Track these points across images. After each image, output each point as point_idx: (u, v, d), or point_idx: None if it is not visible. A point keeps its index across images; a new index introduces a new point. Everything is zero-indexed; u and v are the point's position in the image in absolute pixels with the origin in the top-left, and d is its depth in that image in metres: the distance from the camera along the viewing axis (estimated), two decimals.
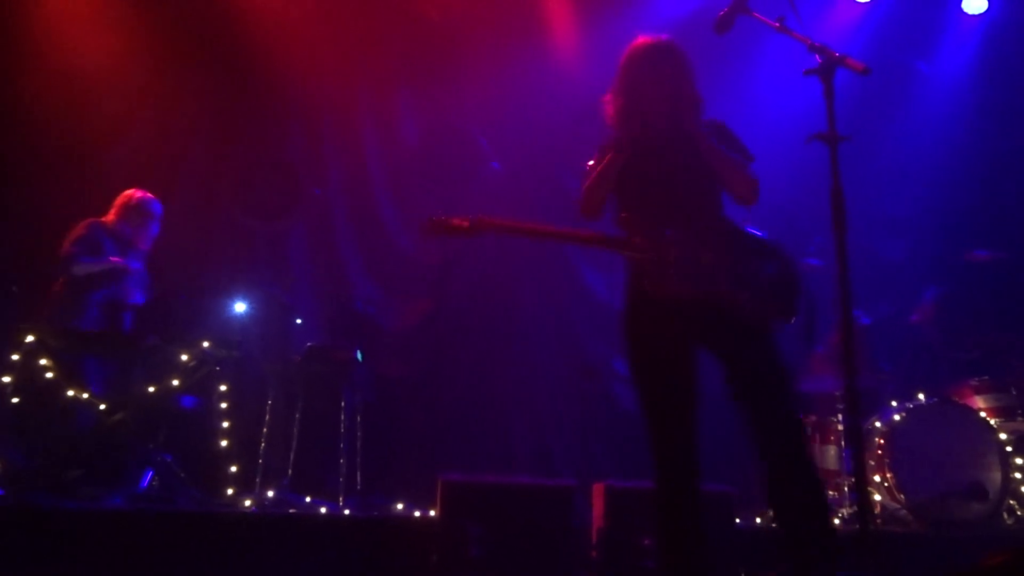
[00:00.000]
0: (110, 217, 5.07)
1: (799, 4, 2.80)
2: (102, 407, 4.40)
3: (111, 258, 4.86)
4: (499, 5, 6.37)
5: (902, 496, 4.69)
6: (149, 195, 5.14)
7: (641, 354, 2.91)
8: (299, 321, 5.67)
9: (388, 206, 6.47)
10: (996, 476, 4.66)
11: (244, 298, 5.17)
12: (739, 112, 6.46)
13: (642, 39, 3.08)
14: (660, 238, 2.85)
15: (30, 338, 4.38)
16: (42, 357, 4.38)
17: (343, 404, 4.99)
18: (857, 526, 2.48)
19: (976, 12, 6.60)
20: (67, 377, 4.38)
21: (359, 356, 5.05)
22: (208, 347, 4.61)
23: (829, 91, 2.58)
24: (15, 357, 4.35)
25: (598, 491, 4.08)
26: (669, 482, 2.83)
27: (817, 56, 2.60)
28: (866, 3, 6.54)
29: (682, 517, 2.80)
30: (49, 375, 4.36)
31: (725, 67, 6.35)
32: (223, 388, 4.62)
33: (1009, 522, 4.74)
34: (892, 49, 6.61)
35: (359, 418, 5.13)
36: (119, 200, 5.11)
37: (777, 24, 2.77)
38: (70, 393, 4.37)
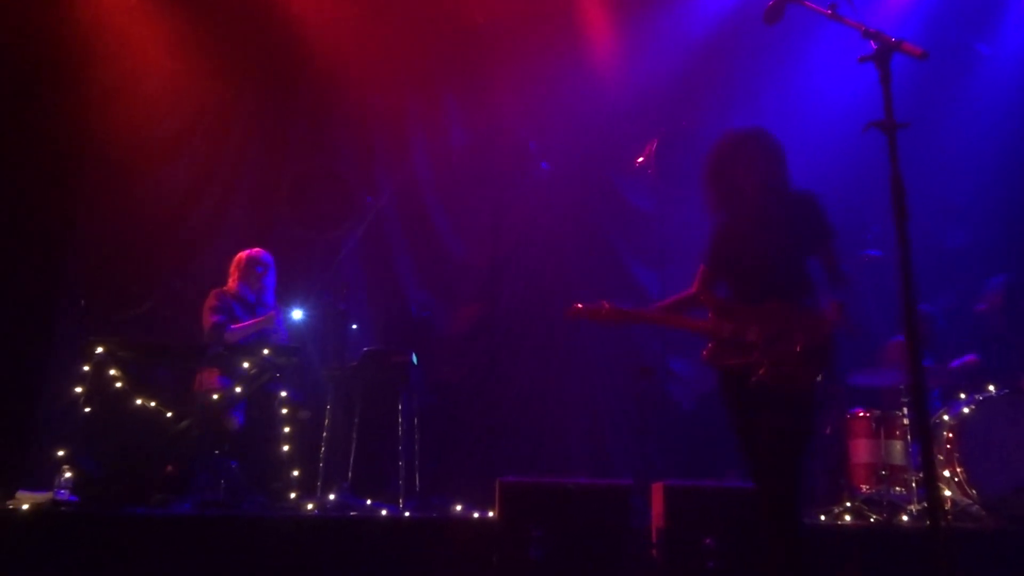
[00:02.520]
0: (230, 283, 5.26)
1: None
2: (169, 415, 4.53)
3: (250, 321, 5.04)
4: (541, 7, 6.37)
5: (974, 491, 4.55)
6: (255, 250, 5.32)
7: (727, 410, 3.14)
8: (355, 327, 5.75)
9: (439, 211, 6.52)
10: None
11: (301, 306, 5.27)
12: (794, 103, 6.42)
13: (732, 130, 3.23)
14: (731, 317, 3.06)
15: (100, 350, 4.53)
16: (111, 368, 4.52)
17: (400, 407, 5.04)
18: (927, 523, 2.40)
19: None
20: (136, 387, 4.52)
21: (415, 360, 5.10)
22: (268, 354, 4.71)
23: (886, 77, 2.51)
24: (86, 368, 4.51)
25: (657, 491, 4.05)
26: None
27: (872, 42, 2.54)
28: None
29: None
30: (118, 385, 4.51)
31: (778, 58, 6.26)
32: (283, 394, 4.71)
33: None
34: (950, 31, 6.41)
35: (416, 421, 5.17)
36: (232, 265, 5.31)
37: (829, 11, 2.70)
38: (138, 402, 4.50)
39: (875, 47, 2.52)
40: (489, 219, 6.49)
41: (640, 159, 5.79)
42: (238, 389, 4.64)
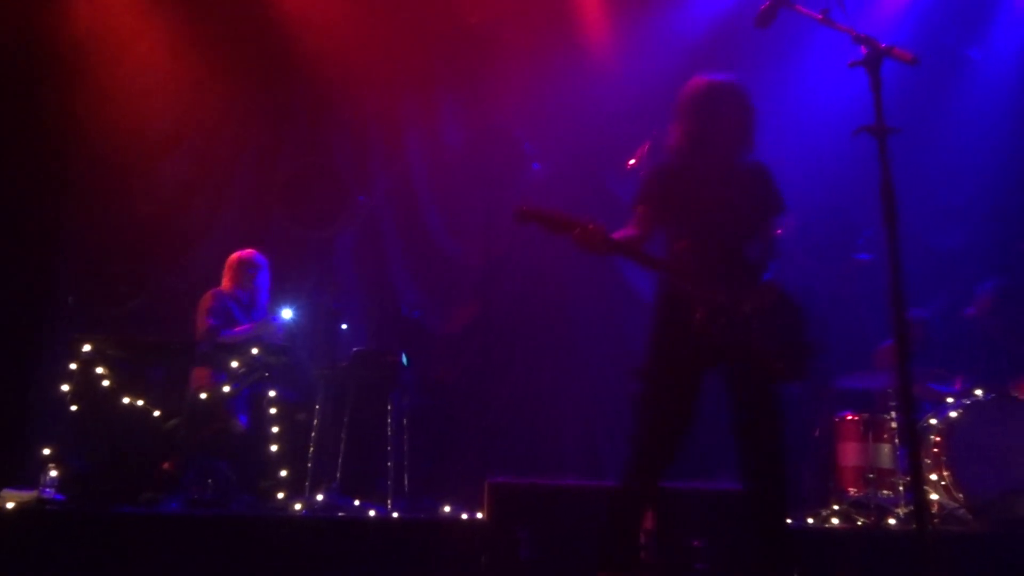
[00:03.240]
0: (225, 284, 5.23)
1: None
2: (157, 414, 4.51)
3: (246, 326, 5.01)
4: (537, 7, 6.37)
5: (960, 495, 4.57)
6: (247, 251, 5.29)
7: (666, 366, 3.07)
8: (345, 327, 5.73)
9: (432, 211, 6.51)
10: None
11: (293, 305, 5.25)
12: (787, 106, 6.43)
13: (713, 77, 3.22)
14: (712, 280, 2.98)
15: (87, 347, 4.50)
16: (99, 366, 4.49)
17: (390, 408, 5.03)
18: (914, 526, 2.41)
19: None
20: (123, 385, 4.49)
21: (405, 360, 5.09)
22: (258, 353, 4.69)
23: (876, 83, 2.52)
24: (73, 366, 4.48)
25: None
26: (646, 481, 3.06)
27: (863, 47, 2.54)
28: None
29: (642, 515, 3.12)
30: (106, 383, 4.48)
31: (770, 62, 6.27)
32: (272, 394, 4.69)
33: None
34: (941, 36, 6.44)
35: (406, 421, 5.16)
36: (226, 266, 5.27)
37: (820, 16, 2.71)
38: (126, 400, 4.48)
39: (865, 52, 2.53)
40: (482, 219, 6.49)
41: (632, 161, 5.79)
42: (226, 388, 4.62)
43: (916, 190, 5.88)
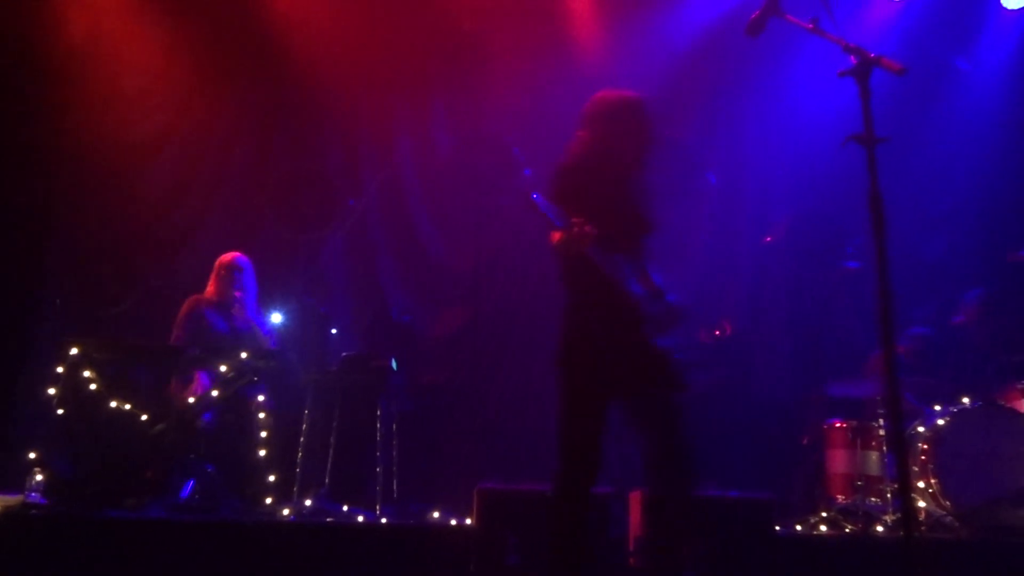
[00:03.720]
0: (209, 288, 5.21)
1: (833, 4, 2.77)
2: (144, 418, 4.48)
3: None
4: (530, 15, 6.39)
5: (948, 502, 4.59)
6: (231, 255, 5.26)
7: (591, 376, 3.14)
8: (335, 331, 5.72)
9: (423, 216, 6.51)
10: None
11: (281, 309, 5.24)
12: (778, 115, 6.47)
13: (620, 92, 3.40)
14: (635, 289, 3.11)
15: (74, 350, 4.48)
16: (86, 369, 4.47)
17: (379, 413, 5.02)
18: (901, 533, 2.42)
19: (1015, 7, 6.46)
20: (111, 388, 4.46)
21: (394, 365, 5.08)
22: (246, 357, 4.67)
23: (865, 92, 2.53)
24: (60, 369, 4.45)
25: (635, 499, 4.05)
26: (579, 483, 3.09)
27: (852, 57, 2.56)
28: (901, 1, 6.43)
29: (582, 519, 3.07)
30: (93, 387, 4.45)
31: (760, 70, 6.31)
32: (261, 398, 4.67)
33: None
34: (929, 47, 6.49)
35: (395, 426, 5.15)
36: (213, 270, 5.25)
37: (811, 26, 2.73)
38: (113, 404, 4.45)
39: (855, 62, 2.55)
40: (473, 225, 6.49)
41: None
42: (215, 392, 4.60)
43: (904, 199, 5.92)
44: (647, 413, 3.11)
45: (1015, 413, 4.80)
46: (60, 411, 4.38)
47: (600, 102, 3.37)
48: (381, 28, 6.25)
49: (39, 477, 4.14)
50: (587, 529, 3.07)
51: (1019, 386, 5.11)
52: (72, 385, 4.42)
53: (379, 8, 6.28)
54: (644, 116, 3.33)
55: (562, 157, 3.33)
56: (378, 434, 4.97)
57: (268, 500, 4.49)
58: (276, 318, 5.45)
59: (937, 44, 6.54)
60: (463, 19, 6.39)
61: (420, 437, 5.65)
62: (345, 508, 4.77)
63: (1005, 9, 6.49)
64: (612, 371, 3.09)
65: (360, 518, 4.49)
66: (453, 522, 4.41)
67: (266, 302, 5.44)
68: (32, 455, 4.29)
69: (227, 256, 5.25)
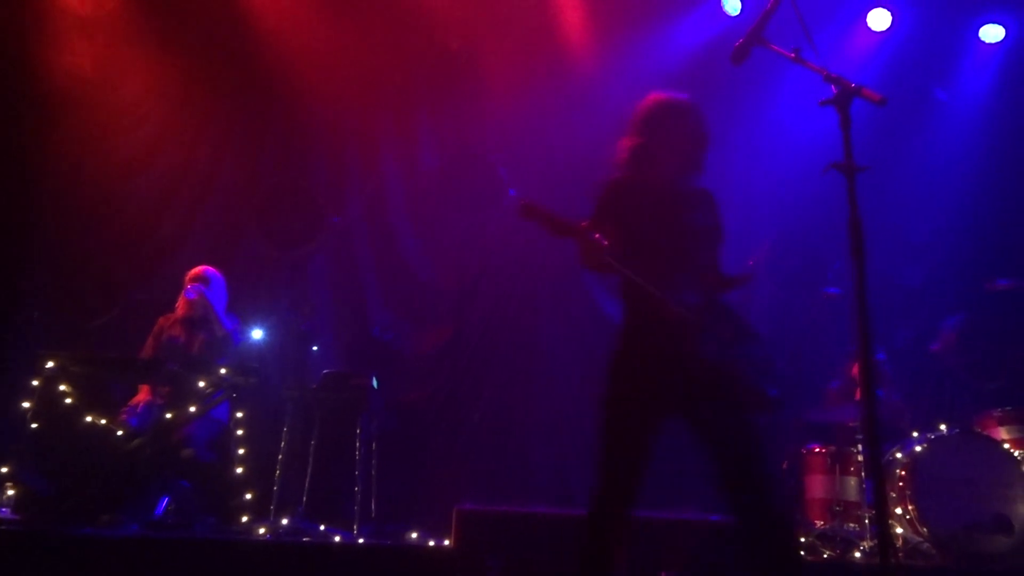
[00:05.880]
0: (179, 302, 5.19)
1: (815, 34, 2.81)
2: (119, 433, 4.42)
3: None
4: (517, 35, 6.44)
5: (925, 529, 4.60)
6: (197, 268, 5.24)
7: (634, 393, 2.92)
8: (315, 348, 5.69)
9: (407, 234, 6.51)
10: (1021, 508, 4.56)
11: (262, 325, 5.20)
12: (761, 141, 6.54)
13: (669, 94, 3.17)
14: (686, 300, 2.87)
15: (50, 364, 4.42)
16: (62, 383, 4.41)
17: (359, 431, 4.98)
18: (878, 560, 2.43)
19: (993, 40, 6.60)
20: (87, 403, 4.41)
21: (375, 383, 5.05)
22: (226, 374, 4.63)
23: (846, 121, 2.57)
24: (35, 383, 4.39)
25: None
26: (613, 504, 2.90)
27: (833, 86, 2.60)
28: (882, 32, 6.55)
29: (614, 542, 2.88)
30: (68, 401, 4.40)
31: (743, 97, 6.38)
32: (239, 415, 4.63)
33: None
34: (909, 77, 6.60)
35: (375, 445, 5.12)
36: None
37: (793, 55, 2.77)
38: (88, 419, 4.39)
39: (836, 91, 2.59)
40: (457, 243, 6.49)
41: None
42: (192, 408, 4.55)
43: (884, 227, 5.99)
44: (708, 435, 2.88)
45: (992, 440, 4.84)
46: (34, 425, 4.32)
47: (646, 106, 3.16)
48: (367, 45, 6.27)
49: (10, 492, 4.08)
50: (617, 553, 2.84)
51: (996, 413, 5.16)
52: (47, 399, 4.36)
53: (365, 26, 6.30)
54: (693, 118, 3.11)
55: (609, 168, 3.15)
56: (357, 452, 4.94)
57: (244, 518, 4.43)
58: (257, 334, 5.41)
59: (917, 75, 6.65)
60: (449, 38, 6.43)
61: (399, 456, 5.62)
62: (322, 527, 4.72)
63: (983, 42, 6.63)
64: (652, 386, 2.87)
65: (337, 538, 4.45)
66: (431, 543, 4.37)
67: (248, 318, 5.40)
68: (3, 469, 4.22)
69: (194, 269, 5.23)
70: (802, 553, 2.91)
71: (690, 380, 2.86)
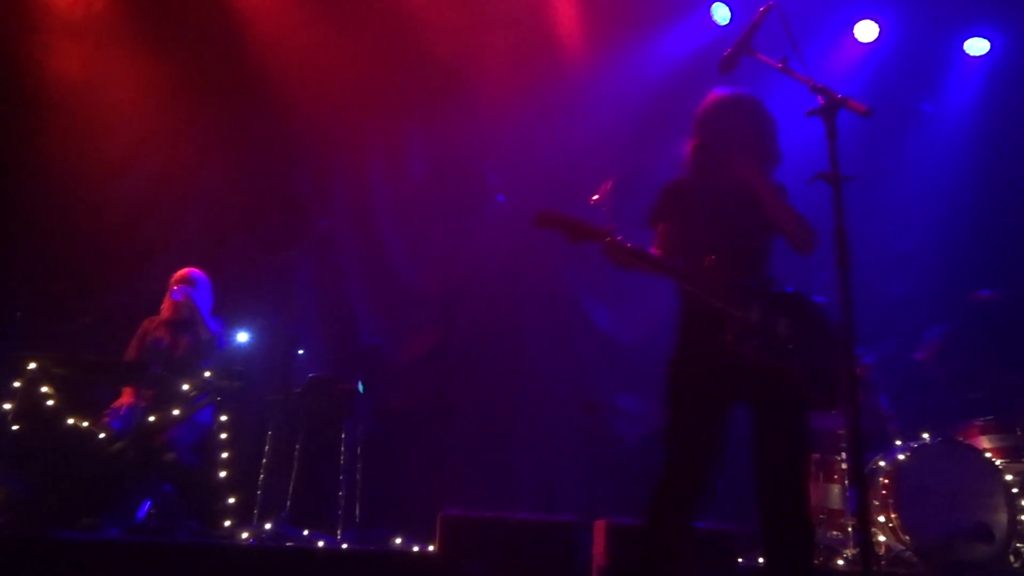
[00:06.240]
0: (163, 305, 5.18)
1: (803, 45, 2.84)
2: (102, 436, 4.39)
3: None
4: (507, 42, 6.45)
5: (907, 537, 4.63)
6: (181, 270, 5.23)
7: (689, 396, 2.91)
8: (301, 352, 5.67)
9: (394, 239, 6.49)
10: (1002, 517, 4.60)
11: (248, 329, 5.18)
12: None
13: (725, 90, 3.14)
14: (743, 297, 2.85)
15: (32, 365, 4.38)
16: (44, 385, 4.37)
17: (344, 436, 4.96)
18: (861, 567, 2.44)
19: (978, 54, 6.68)
20: (69, 405, 4.37)
21: (361, 388, 5.04)
22: (210, 377, 4.61)
23: (832, 132, 2.60)
24: (17, 384, 4.35)
25: (599, 528, 4.04)
26: (668, 509, 2.87)
27: (820, 97, 2.63)
28: (869, 44, 6.61)
29: (671, 553, 2.86)
30: (50, 403, 4.36)
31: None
32: (223, 419, 4.60)
33: (1016, 564, 4.67)
34: (895, 89, 6.67)
35: (360, 450, 5.10)
36: None
37: (780, 65, 2.80)
38: (70, 421, 4.35)
39: (822, 102, 2.61)
40: (444, 249, 6.48)
41: (595, 197, 5.85)
42: (176, 411, 4.52)
43: (869, 236, 6.02)
44: (753, 432, 2.86)
45: (974, 449, 4.88)
46: (15, 427, 4.27)
47: (704, 106, 3.12)
48: (355, 49, 6.27)
49: None
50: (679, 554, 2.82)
51: (978, 423, 5.20)
52: (29, 401, 4.32)
53: (353, 30, 6.30)
54: (747, 113, 3.06)
55: (674, 170, 3.13)
56: (342, 457, 4.92)
57: (227, 523, 4.40)
58: (242, 337, 5.38)
59: (903, 87, 6.72)
60: (438, 44, 6.43)
61: (384, 462, 5.59)
62: (306, 532, 4.70)
63: (968, 55, 6.70)
64: (704, 384, 2.85)
65: (321, 543, 4.42)
66: (416, 548, 4.36)
67: (233, 321, 5.38)
68: None
69: (179, 271, 5.20)
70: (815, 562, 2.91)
71: (739, 377, 2.84)
